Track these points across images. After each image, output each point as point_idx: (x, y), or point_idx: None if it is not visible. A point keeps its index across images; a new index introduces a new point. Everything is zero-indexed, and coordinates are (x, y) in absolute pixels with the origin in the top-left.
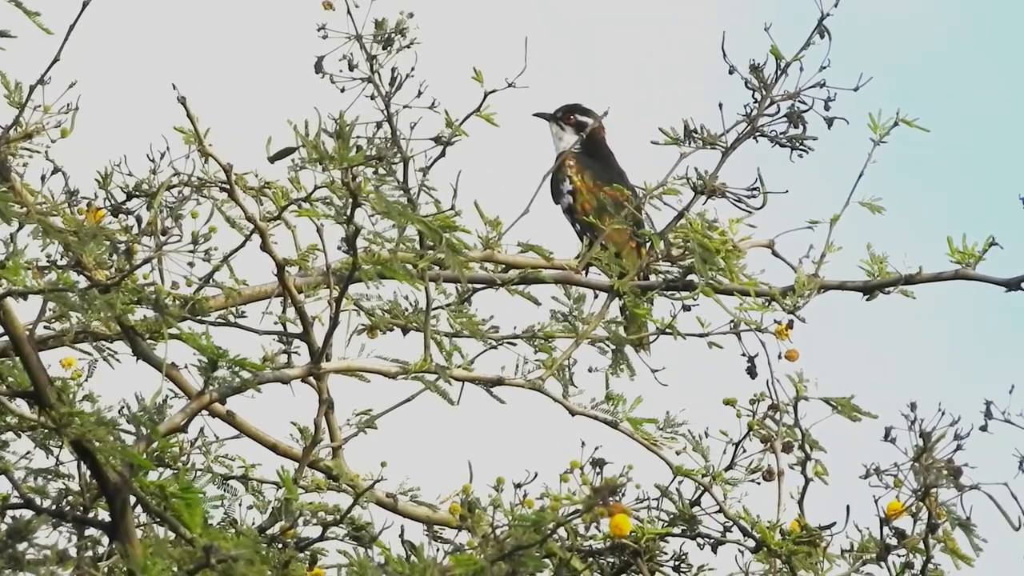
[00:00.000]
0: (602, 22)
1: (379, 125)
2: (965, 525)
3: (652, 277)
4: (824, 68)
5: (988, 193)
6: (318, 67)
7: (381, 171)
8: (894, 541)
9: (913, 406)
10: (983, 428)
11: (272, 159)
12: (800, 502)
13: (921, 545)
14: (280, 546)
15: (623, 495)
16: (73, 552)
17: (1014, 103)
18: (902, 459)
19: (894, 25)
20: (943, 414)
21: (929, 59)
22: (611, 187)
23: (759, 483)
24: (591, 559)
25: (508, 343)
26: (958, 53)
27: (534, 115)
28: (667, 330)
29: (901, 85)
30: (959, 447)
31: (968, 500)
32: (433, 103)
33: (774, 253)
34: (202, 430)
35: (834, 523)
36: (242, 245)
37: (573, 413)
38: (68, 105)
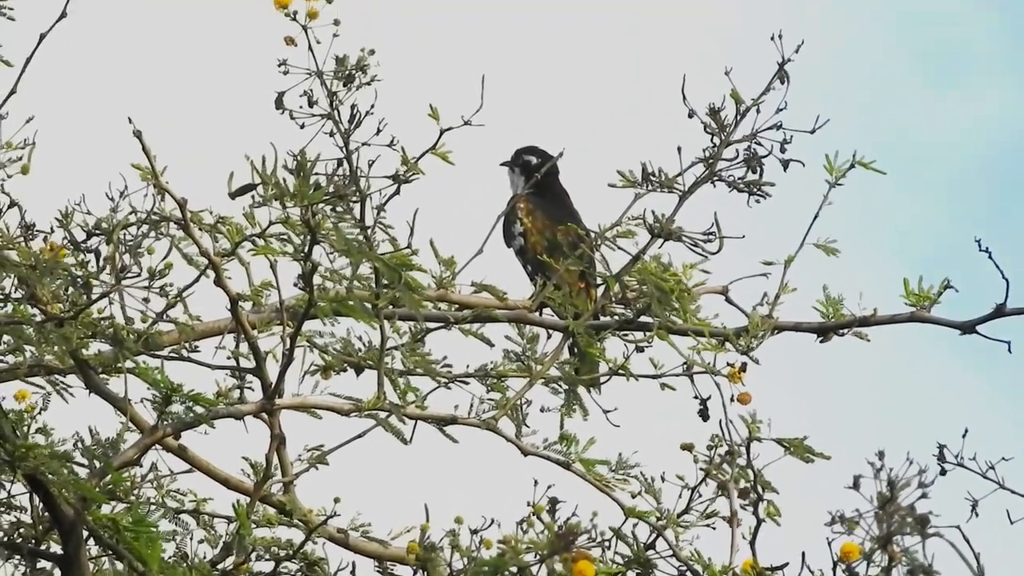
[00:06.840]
0: (562, 62)
1: (339, 162)
2: (928, 572)
3: (605, 318)
4: (781, 111)
5: (944, 235)
6: (278, 103)
7: (339, 208)
8: None
9: (881, 454)
10: (942, 473)
11: (233, 195)
12: (752, 543)
13: None
14: None
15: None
16: None
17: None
18: (862, 503)
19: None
20: (911, 463)
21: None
22: (563, 227)
23: (715, 528)
24: None
25: (461, 382)
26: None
27: (501, 164)
28: (620, 371)
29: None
30: (924, 495)
31: (928, 545)
32: (392, 140)
33: (728, 300)
34: (155, 464)
35: (786, 563)
36: (196, 280)
37: (526, 453)
38: (25, 140)
